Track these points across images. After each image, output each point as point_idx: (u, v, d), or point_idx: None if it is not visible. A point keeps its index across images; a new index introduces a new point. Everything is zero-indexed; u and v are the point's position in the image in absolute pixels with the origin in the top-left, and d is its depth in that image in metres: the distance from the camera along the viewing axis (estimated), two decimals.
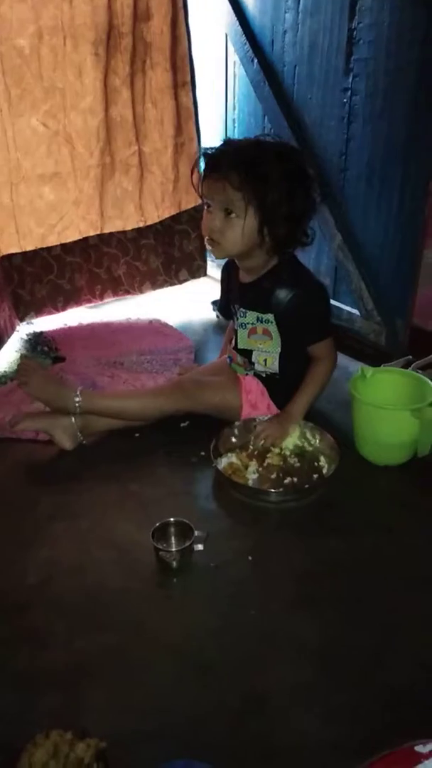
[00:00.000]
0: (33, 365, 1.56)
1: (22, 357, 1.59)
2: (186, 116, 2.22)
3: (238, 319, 1.59)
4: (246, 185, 1.35)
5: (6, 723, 0.92)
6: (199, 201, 2.30)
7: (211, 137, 2.39)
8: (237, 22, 2.10)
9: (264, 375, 1.59)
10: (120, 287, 2.35)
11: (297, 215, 1.40)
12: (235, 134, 2.29)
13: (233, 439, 1.56)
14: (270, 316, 1.51)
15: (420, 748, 0.81)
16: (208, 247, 1.48)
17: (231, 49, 2.19)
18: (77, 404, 1.49)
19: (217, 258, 1.58)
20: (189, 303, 2.40)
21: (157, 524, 1.25)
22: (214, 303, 2.25)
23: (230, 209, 1.38)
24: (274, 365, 1.56)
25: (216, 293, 2.08)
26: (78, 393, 1.50)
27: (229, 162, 1.36)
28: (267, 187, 1.35)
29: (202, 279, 2.55)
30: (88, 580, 1.20)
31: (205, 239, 1.47)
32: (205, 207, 1.44)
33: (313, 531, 1.32)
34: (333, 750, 0.91)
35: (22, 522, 1.36)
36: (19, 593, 1.18)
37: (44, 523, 1.35)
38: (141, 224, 2.26)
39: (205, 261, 2.50)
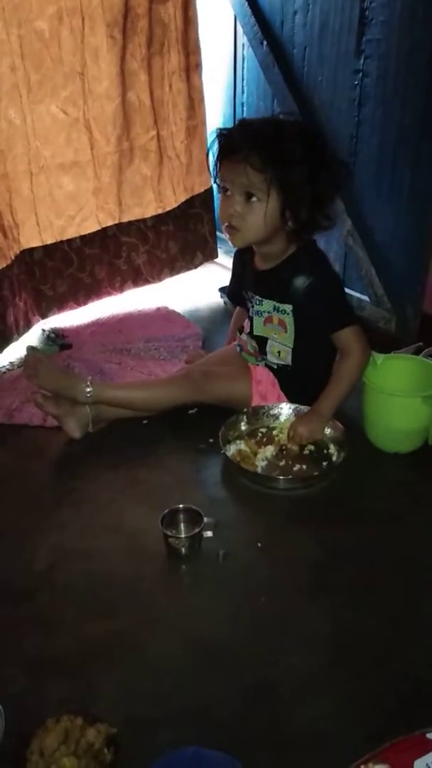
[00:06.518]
0: (40, 357, 1.55)
1: (29, 348, 1.57)
2: (198, 99, 2.19)
3: (253, 306, 1.54)
4: (268, 166, 1.28)
5: (16, 708, 0.92)
6: (210, 184, 2.27)
7: (220, 121, 2.37)
8: (246, 3, 2.07)
9: (276, 366, 1.56)
10: (140, 277, 2.27)
11: (320, 197, 1.35)
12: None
13: (242, 426, 1.55)
14: (287, 307, 1.46)
15: None
16: (226, 235, 1.41)
17: (240, 30, 2.16)
18: (88, 394, 1.47)
19: (235, 246, 1.49)
20: (196, 289, 2.38)
21: (166, 511, 1.24)
22: (221, 290, 2.23)
23: (251, 193, 1.32)
24: (287, 358, 1.53)
25: (223, 280, 2.07)
26: (88, 383, 1.48)
27: (249, 142, 1.29)
28: (290, 167, 1.29)
29: (209, 265, 2.53)
30: (96, 567, 1.20)
31: (223, 226, 1.40)
32: (222, 192, 1.38)
33: (322, 518, 1.32)
34: (344, 737, 0.90)
35: (30, 508, 1.36)
36: (27, 579, 1.18)
37: (52, 510, 1.35)
38: (159, 211, 2.21)
39: (216, 243, 2.46)
